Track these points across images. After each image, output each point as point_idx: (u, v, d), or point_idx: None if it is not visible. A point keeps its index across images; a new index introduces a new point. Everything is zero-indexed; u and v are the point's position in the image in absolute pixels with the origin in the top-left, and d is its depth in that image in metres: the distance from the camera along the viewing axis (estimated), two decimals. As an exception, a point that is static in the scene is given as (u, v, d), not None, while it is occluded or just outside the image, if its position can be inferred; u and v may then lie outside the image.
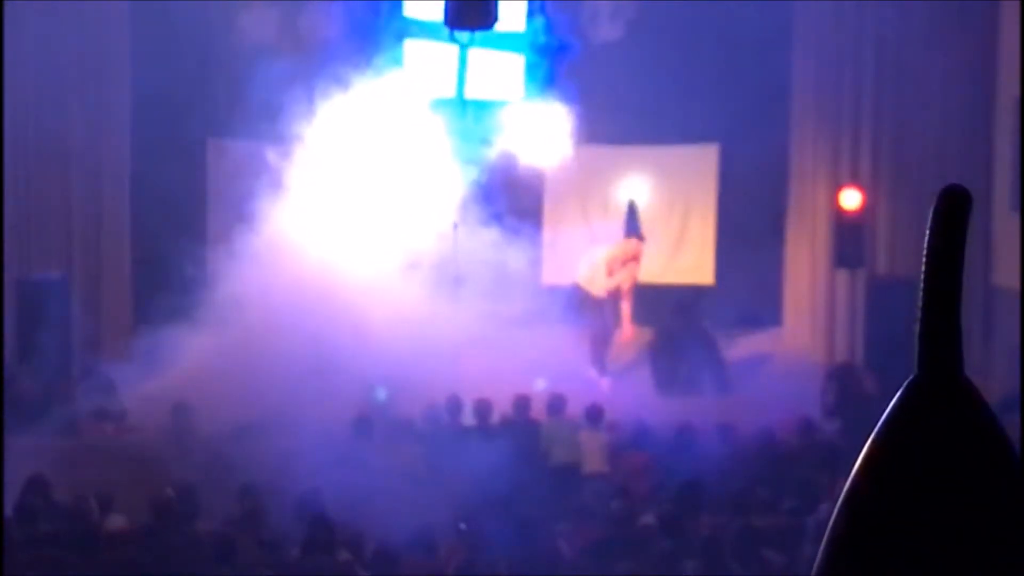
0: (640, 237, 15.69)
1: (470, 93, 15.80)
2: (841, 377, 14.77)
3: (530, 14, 15.69)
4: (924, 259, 1.57)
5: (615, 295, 15.42)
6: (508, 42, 15.49)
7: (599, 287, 15.37)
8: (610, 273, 15.47)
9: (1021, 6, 13.83)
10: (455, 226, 14.81)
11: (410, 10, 15.49)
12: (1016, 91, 14.87)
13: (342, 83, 14.43)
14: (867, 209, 15.68)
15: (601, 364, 15.13)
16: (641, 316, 15.84)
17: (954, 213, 1.54)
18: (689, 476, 11.11)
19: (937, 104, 15.53)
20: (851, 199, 15.64)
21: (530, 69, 15.95)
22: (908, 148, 15.77)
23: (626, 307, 15.49)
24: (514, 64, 16.00)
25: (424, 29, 15.38)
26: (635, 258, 15.63)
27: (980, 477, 1.52)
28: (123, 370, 13.83)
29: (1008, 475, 1.53)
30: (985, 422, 1.53)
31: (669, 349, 15.26)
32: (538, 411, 13.47)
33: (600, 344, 15.18)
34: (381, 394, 13.44)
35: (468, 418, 13.38)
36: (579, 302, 15.18)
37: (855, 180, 15.91)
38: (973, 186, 1.64)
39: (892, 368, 12.07)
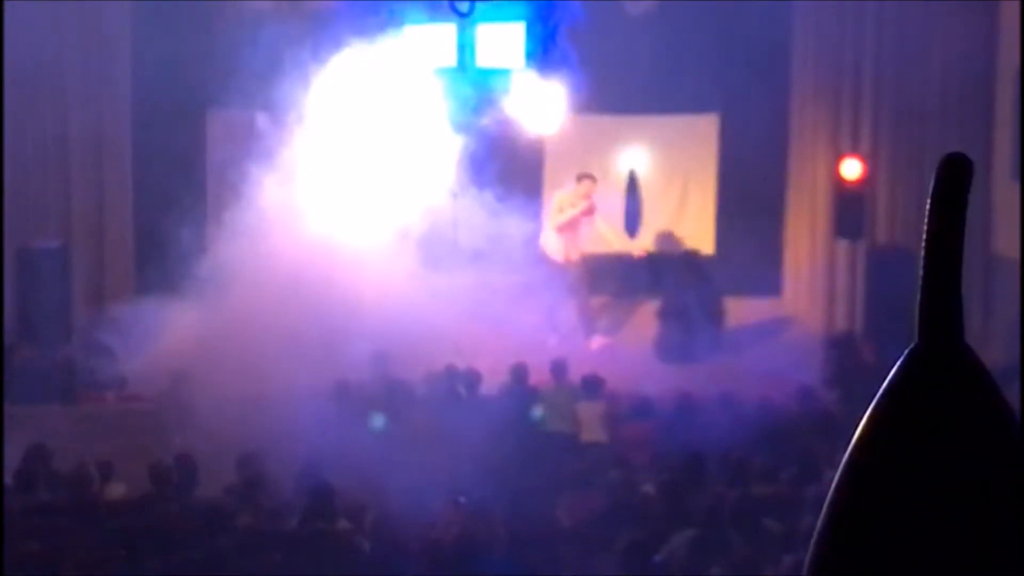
0: (592, 178, 15.71)
1: (470, 62, 15.78)
2: (841, 346, 14.78)
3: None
4: (925, 227, 1.57)
5: (572, 242, 15.51)
6: (507, 11, 15.45)
7: (553, 240, 15.42)
8: (560, 210, 15.58)
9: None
10: (454, 195, 14.80)
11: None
12: (1016, 60, 14.84)
13: (343, 52, 14.40)
14: (867, 179, 15.67)
15: (555, 324, 15.22)
16: (640, 283, 15.85)
17: (955, 181, 1.54)
18: (689, 445, 11.12)
19: (937, 74, 15.51)
20: (851, 169, 15.62)
21: (530, 37, 15.91)
22: (908, 118, 15.75)
23: (575, 251, 15.58)
24: (514, 32, 15.95)
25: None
26: (587, 196, 15.66)
27: (981, 444, 1.52)
28: (123, 339, 13.84)
29: (1009, 442, 1.53)
30: (986, 389, 1.53)
31: (675, 311, 15.27)
32: (537, 379, 13.51)
33: (558, 305, 15.28)
34: (380, 363, 13.45)
35: (465, 387, 13.41)
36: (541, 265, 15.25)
37: (855, 150, 15.89)
38: (973, 155, 1.63)
39: (892, 338, 12.08)
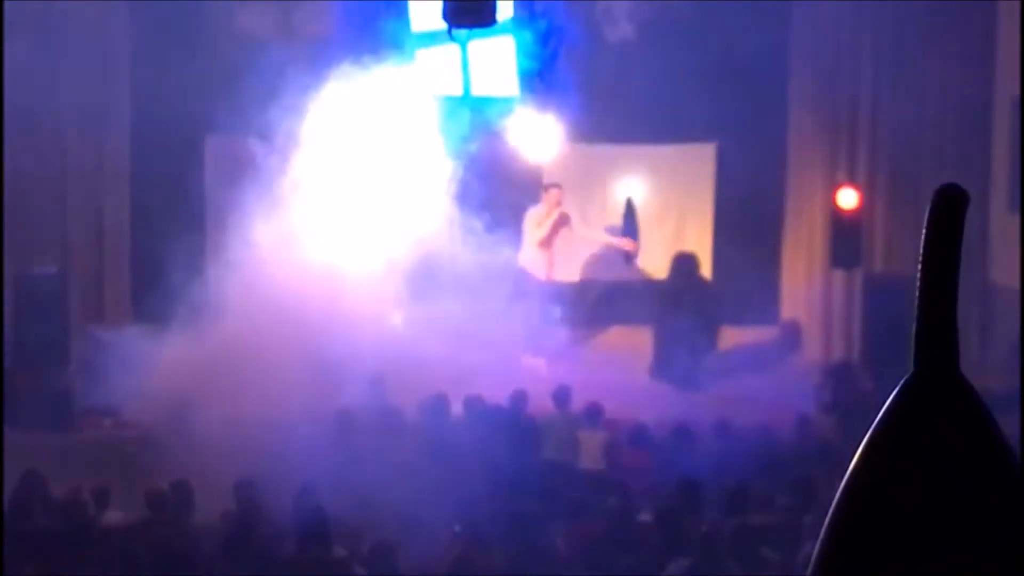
0: (558, 186, 15.74)
1: (469, 89, 15.85)
2: (838, 375, 14.79)
3: (529, 10, 15.71)
4: (921, 257, 1.58)
5: (551, 257, 15.57)
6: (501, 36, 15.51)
7: (532, 256, 15.56)
8: (538, 224, 15.76)
9: (1021, 6, 13.84)
10: (451, 223, 14.83)
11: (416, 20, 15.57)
12: (1014, 91, 14.89)
13: (342, 80, 14.42)
14: (864, 209, 15.70)
15: (538, 346, 15.25)
16: (640, 313, 15.85)
17: (951, 212, 1.56)
18: (686, 473, 11.11)
19: (935, 104, 15.55)
20: (848, 199, 15.65)
21: (524, 65, 15.97)
22: (905, 148, 15.78)
23: (548, 256, 15.76)
24: (507, 58, 16.01)
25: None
26: (557, 203, 15.85)
27: (976, 473, 1.53)
28: (120, 365, 13.82)
29: (1004, 471, 1.54)
30: (981, 419, 1.55)
31: (673, 337, 15.30)
32: (536, 406, 13.52)
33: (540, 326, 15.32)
34: (377, 389, 13.45)
35: (462, 413, 13.41)
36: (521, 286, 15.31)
37: (852, 180, 15.92)
38: (970, 186, 1.64)
39: (889, 366, 12.08)
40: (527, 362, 15.07)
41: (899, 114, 15.70)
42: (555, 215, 15.82)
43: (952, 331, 1.58)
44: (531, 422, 13.26)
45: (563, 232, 15.88)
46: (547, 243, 15.77)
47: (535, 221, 15.82)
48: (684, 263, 16.03)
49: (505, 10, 14.37)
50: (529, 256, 15.67)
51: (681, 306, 15.35)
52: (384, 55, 14.76)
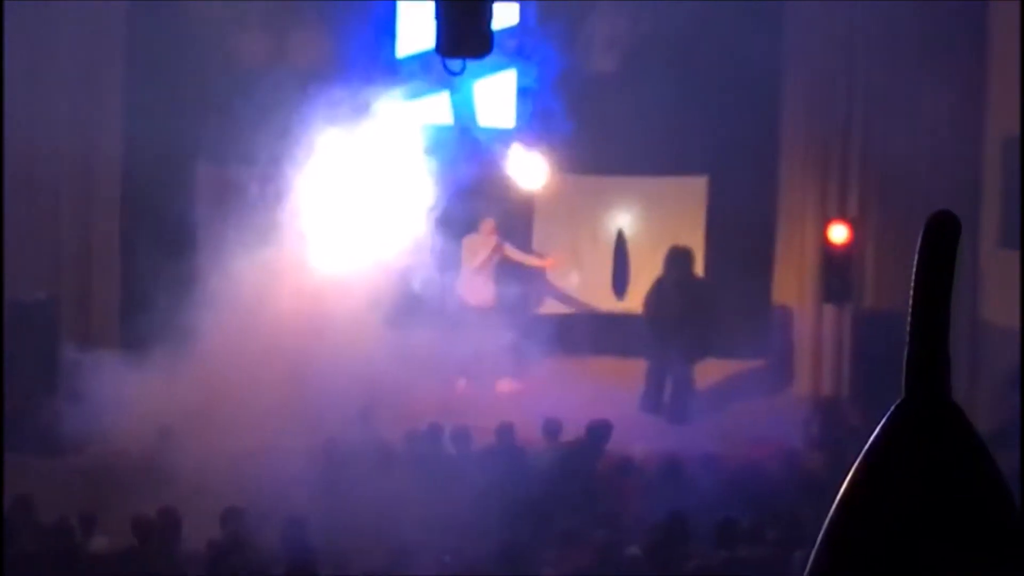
0: (495, 217, 15.82)
1: (462, 120, 15.93)
2: (827, 409, 14.79)
3: (519, 41, 15.78)
4: (912, 284, 1.58)
5: (487, 284, 15.64)
6: (497, 70, 15.56)
7: (470, 285, 15.68)
8: (474, 253, 15.88)
9: (1021, 47, 13.88)
10: (440, 251, 14.88)
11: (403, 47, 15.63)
12: (1004, 128, 14.93)
13: (334, 109, 14.44)
14: (855, 244, 15.72)
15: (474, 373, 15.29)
16: (632, 346, 15.83)
17: (943, 237, 1.56)
18: (675, 506, 11.10)
19: (926, 140, 15.57)
20: (839, 234, 15.67)
21: (518, 96, 16.04)
22: (896, 183, 15.80)
23: (515, 253, 16.00)
24: (505, 91, 16.08)
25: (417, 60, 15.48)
26: (493, 232, 15.95)
27: (968, 499, 1.53)
28: (108, 391, 13.78)
29: (994, 497, 1.54)
30: (971, 445, 1.54)
31: (662, 370, 15.32)
32: (525, 437, 13.51)
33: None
34: (365, 420, 13.44)
35: (450, 445, 13.39)
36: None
37: (843, 214, 15.94)
38: (961, 221, 1.64)
39: (879, 401, 12.07)
40: (505, 387, 15.13)
41: (890, 150, 15.72)
42: (492, 244, 15.86)
43: (944, 356, 1.57)
44: (519, 453, 13.24)
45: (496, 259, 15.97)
46: (481, 271, 15.86)
47: (472, 250, 15.86)
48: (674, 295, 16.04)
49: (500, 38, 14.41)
50: (467, 282, 15.76)
51: (671, 338, 15.36)
52: (376, 84, 14.80)
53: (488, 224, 15.99)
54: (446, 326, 14.47)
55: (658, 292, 15.68)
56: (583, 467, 13.08)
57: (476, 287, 15.78)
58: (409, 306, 14.51)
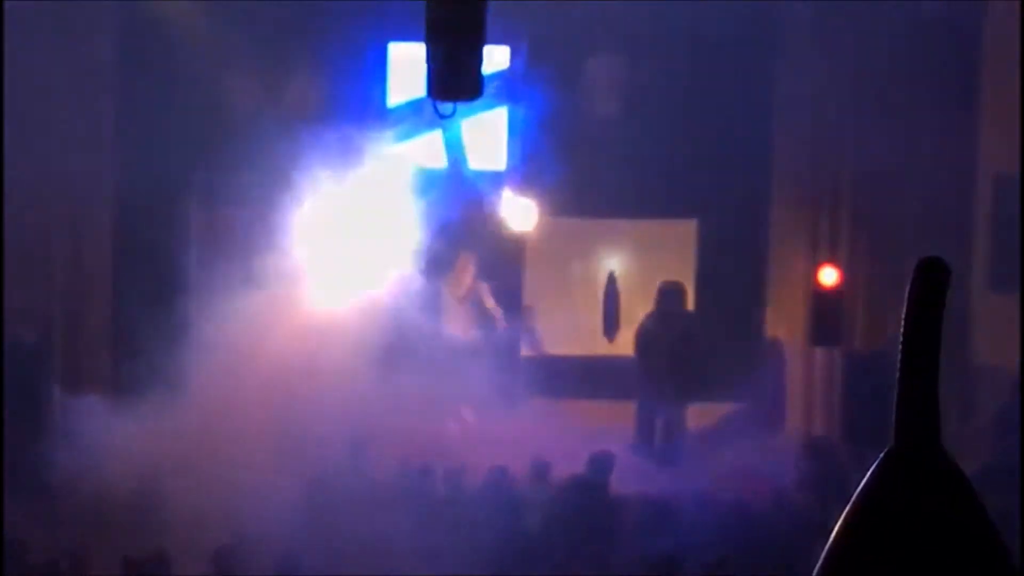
0: (471, 250, 15.81)
1: (455, 162, 15.99)
2: (818, 451, 14.77)
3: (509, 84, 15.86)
4: (902, 330, 1.59)
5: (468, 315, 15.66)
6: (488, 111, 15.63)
7: (454, 316, 15.62)
8: (458, 284, 15.81)
9: (1021, 87, 13.91)
10: (424, 292, 14.91)
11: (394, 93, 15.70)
12: (995, 169, 14.98)
13: (326, 152, 14.47)
14: (845, 287, 15.73)
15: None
16: (622, 388, 15.81)
17: (932, 284, 1.57)
18: (666, 547, 11.08)
19: (916, 183, 15.60)
20: (829, 277, 15.69)
21: (512, 140, 16.10)
22: (886, 227, 15.82)
23: (489, 300, 15.90)
24: (496, 134, 16.13)
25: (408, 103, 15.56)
26: (470, 263, 15.92)
27: (956, 545, 1.54)
28: (100, 432, 13.75)
29: (984, 544, 1.55)
30: (961, 491, 1.56)
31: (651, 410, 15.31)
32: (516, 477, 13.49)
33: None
34: (356, 459, 13.42)
35: (442, 486, 13.37)
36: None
37: (833, 257, 15.96)
38: (951, 264, 1.66)
39: (869, 444, 12.07)
40: (495, 429, 15.08)
41: (880, 192, 15.76)
42: (471, 271, 15.85)
43: (933, 403, 1.58)
44: (511, 494, 13.22)
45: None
46: (465, 300, 15.85)
47: (452, 284, 15.84)
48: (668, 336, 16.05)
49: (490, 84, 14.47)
50: (454, 320, 15.74)
51: (661, 373, 15.36)
52: (367, 126, 14.85)
53: (464, 260, 15.93)
54: (435, 367, 14.44)
55: (648, 324, 15.69)
56: (587, 500, 13.04)
57: (463, 324, 15.74)
58: (398, 347, 14.50)
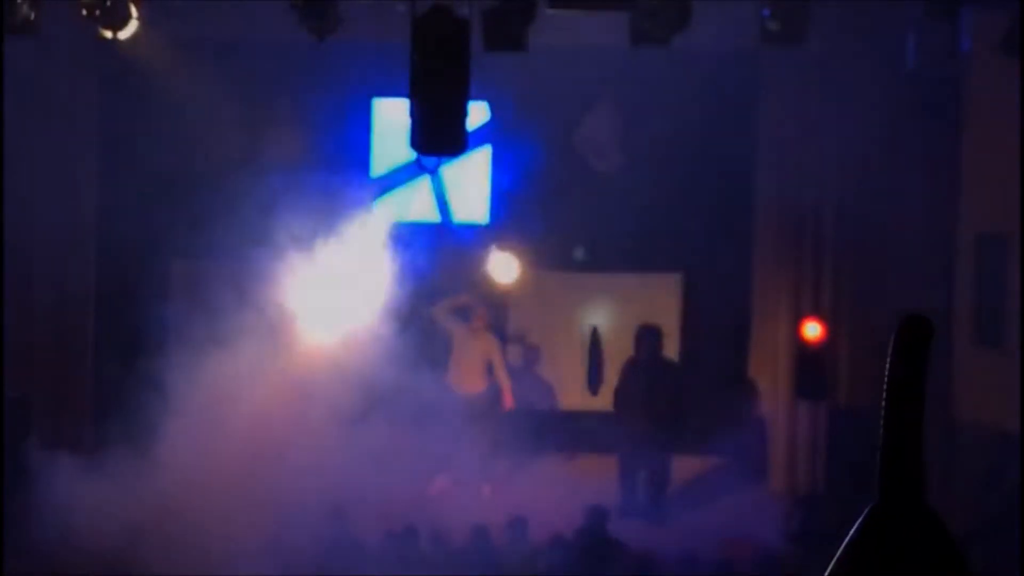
0: (467, 294, 15.75)
1: (436, 217, 16.03)
2: (803, 507, 14.74)
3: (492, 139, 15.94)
4: (885, 387, 1.57)
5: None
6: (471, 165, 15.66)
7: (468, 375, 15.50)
8: (467, 347, 15.65)
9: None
10: (418, 331, 14.90)
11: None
12: (977, 225, 15.01)
13: (308, 205, 14.47)
14: (828, 341, 15.75)
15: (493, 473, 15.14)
16: (607, 443, 15.78)
17: (915, 341, 1.55)
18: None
19: (899, 235, 15.63)
20: (813, 331, 15.71)
21: (495, 194, 16.14)
22: (870, 279, 15.85)
23: (502, 371, 15.75)
24: (479, 188, 16.17)
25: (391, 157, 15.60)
26: (483, 321, 15.75)
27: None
28: (79, 491, 13.67)
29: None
30: (946, 549, 1.53)
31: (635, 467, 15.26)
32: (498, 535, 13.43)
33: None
34: (338, 519, 13.36)
35: (427, 545, 13.31)
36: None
37: (817, 311, 15.98)
38: (934, 319, 1.64)
39: (854, 498, 12.04)
40: (479, 488, 15.01)
41: (863, 246, 15.79)
42: (483, 336, 15.73)
43: (917, 459, 1.56)
44: (492, 553, 13.16)
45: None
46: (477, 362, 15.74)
47: (463, 340, 15.71)
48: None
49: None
50: (462, 376, 15.64)
51: (642, 421, 15.31)
52: (349, 180, 14.87)
53: (481, 312, 15.82)
54: (415, 424, 14.38)
55: (627, 369, 15.65)
56: (590, 549, 13.00)
57: (469, 377, 15.64)
58: (379, 403, 14.44)
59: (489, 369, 15.70)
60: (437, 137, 11.42)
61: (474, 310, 15.70)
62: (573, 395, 16.58)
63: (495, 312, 16.31)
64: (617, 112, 16.26)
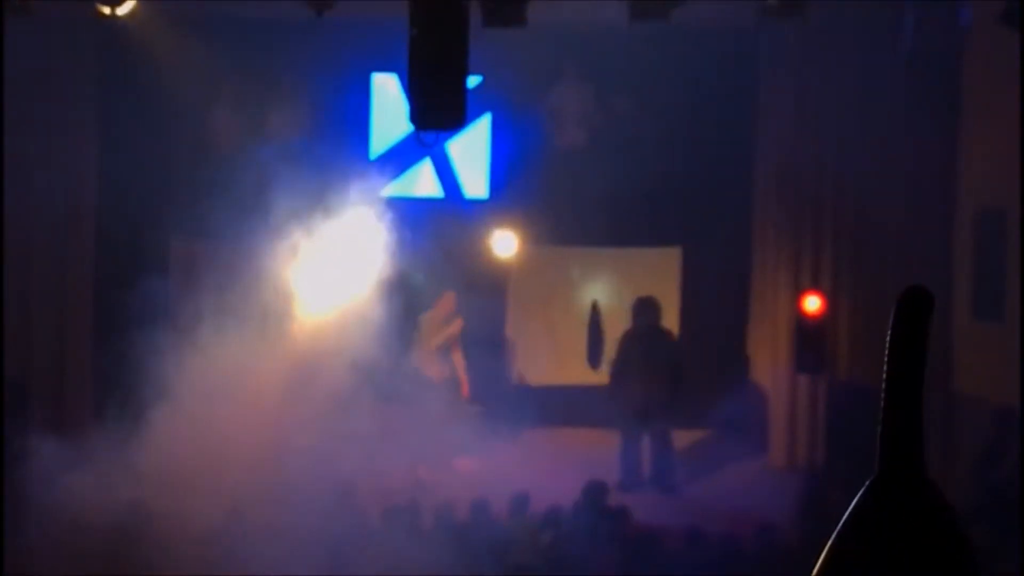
0: (454, 290, 15.68)
1: (432, 191, 16.02)
2: (803, 481, 14.77)
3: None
4: (886, 359, 1.57)
5: (445, 359, 15.48)
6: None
7: (428, 360, 15.41)
8: (437, 331, 15.60)
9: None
10: (417, 325, 14.88)
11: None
12: (976, 199, 15.02)
13: (309, 185, 14.46)
14: (828, 314, 15.75)
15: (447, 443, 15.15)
16: (608, 416, 15.80)
17: (916, 312, 1.55)
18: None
19: (899, 211, 15.64)
20: (812, 304, 15.72)
21: (494, 169, 16.13)
22: (870, 254, 15.86)
23: (459, 358, 15.60)
24: (479, 162, 16.15)
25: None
26: (450, 308, 15.70)
27: (940, 573, 1.52)
28: (80, 470, 13.69)
29: (967, 572, 1.53)
30: (945, 520, 1.53)
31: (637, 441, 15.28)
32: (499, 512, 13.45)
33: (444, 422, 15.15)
34: (343, 496, 13.38)
35: (429, 521, 13.34)
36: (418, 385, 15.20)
37: (816, 285, 15.99)
38: (934, 292, 1.64)
39: (854, 473, 12.07)
40: (475, 464, 15.01)
41: (863, 220, 15.80)
42: (455, 322, 15.69)
43: (918, 432, 1.57)
44: (494, 528, 13.18)
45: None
46: (442, 347, 15.67)
47: (434, 327, 15.69)
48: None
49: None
50: (425, 361, 15.56)
51: (640, 392, 15.33)
52: (349, 158, 14.85)
53: (448, 298, 15.83)
54: (411, 402, 14.38)
55: (626, 342, 15.65)
56: (585, 526, 13.00)
57: (435, 362, 15.60)
58: (375, 382, 14.45)
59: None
60: (436, 112, 11.40)
61: (443, 296, 15.67)
62: (574, 370, 16.59)
63: (495, 289, 16.32)
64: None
